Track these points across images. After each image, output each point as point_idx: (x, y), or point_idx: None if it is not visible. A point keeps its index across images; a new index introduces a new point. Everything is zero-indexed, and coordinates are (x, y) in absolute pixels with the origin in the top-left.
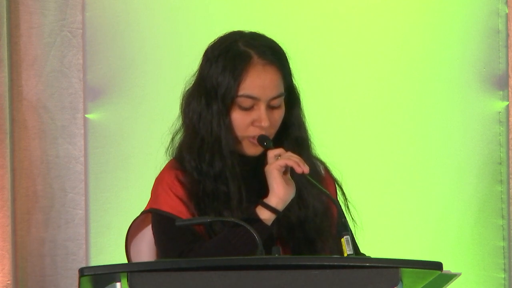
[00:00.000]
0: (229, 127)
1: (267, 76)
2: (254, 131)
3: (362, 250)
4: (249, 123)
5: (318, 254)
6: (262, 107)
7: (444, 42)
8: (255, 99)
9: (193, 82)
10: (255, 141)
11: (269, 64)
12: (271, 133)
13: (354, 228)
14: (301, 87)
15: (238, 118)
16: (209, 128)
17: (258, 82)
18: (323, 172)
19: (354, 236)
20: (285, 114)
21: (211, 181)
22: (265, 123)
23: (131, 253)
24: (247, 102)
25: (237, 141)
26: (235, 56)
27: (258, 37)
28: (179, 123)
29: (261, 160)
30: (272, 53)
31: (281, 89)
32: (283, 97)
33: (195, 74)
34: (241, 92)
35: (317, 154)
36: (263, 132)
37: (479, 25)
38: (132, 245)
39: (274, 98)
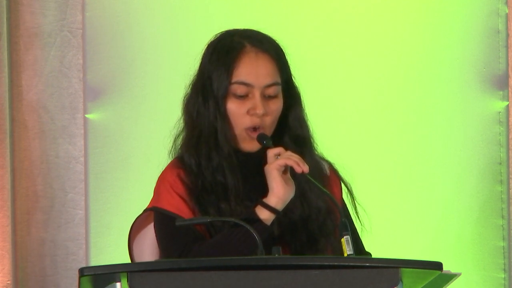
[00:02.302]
0: (225, 117)
1: (260, 63)
2: (251, 120)
3: (365, 248)
4: (245, 112)
5: (319, 254)
6: (256, 94)
7: (444, 42)
8: (249, 85)
9: (192, 83)
10: (252, 134)
11: (262, 52)
12: (268, 124)
13: (360, 227)
14: (304, 89)
15: (233, 107)
16: (206, 122)
17: (250, 68)
18: (327, 171)
19: (360, 235)
20: (285, 112)
21: (209, 175)
22: (259, 111)
23: (133, 251)
24: (241, 89)
25: (233, 134)
26: (229, 47)
27: (253, 31)
28: (181, 125)
29: (265, 158)
30: (266, 43)
31: (275, 78)
32: (279, 87)
33: (194, 75)
34: (234, 79)
35: (321, 154)
36: (258, 121)
37: (479, 25)
38: (134, 243)
39: (269, 86)
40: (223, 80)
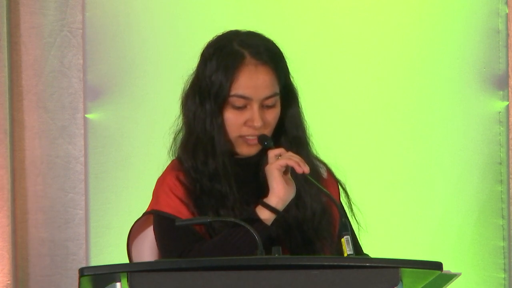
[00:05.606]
0: (222, 127)
1: (259, 76)
2: (247, 131)
3: (363, 250)
4: (242, 123)
5: (317, 254)
6: (255, 107)
7: (444, 42)
8: (247, 99)
9: (190, 81)
10: (250, 141)
11: (262, 64)
12: (266, 133)
13: (358, 230)
14: (303, 90)
15: (230, 117)
16: (203, 127)
17: (250, 82)
18: (325, 173)
19: (358, 237)
20: (282, 113)
21: (207, 179)
22: (257, 123)
23: (132, 254)
24: (239, 102)
25: (230, 141)
26: (229, 56)
27: (253, 36)
28: (180, 123)
29: (262, 164)
30: (266, 53)
31: (274, 89)
32: (277, 97)
33: (193, 73)
34: (233, 92)
35: (318, 156)
36: (256, 132)
37: (479, 25)
38: (133, 246)
39: (267, 98)
40: (221, 91)
